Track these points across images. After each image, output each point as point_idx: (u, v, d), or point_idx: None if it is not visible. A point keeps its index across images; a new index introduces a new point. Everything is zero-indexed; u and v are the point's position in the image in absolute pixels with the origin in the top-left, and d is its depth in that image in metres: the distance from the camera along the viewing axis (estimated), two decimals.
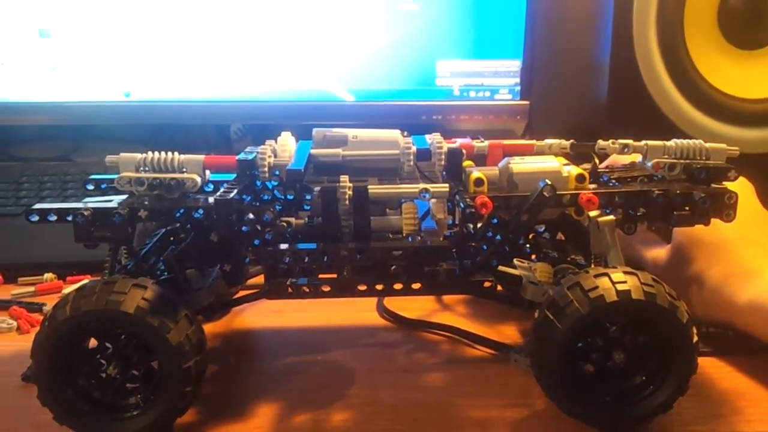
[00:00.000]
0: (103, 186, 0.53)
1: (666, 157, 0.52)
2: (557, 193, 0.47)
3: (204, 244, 0.50)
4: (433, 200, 0.52)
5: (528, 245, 0.51)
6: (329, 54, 0.86)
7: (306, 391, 0.51)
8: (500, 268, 0.50)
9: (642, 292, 0.42)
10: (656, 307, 0.43)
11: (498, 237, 0.48)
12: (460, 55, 0.87)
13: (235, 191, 0.47)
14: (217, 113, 0.88)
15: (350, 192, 0.48)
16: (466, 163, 0.53)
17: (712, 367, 0.53)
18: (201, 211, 0.47)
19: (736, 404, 0.48)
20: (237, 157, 0.50)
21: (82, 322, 0.43)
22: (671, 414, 0.45)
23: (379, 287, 0.50)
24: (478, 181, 0.48)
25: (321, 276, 0.50)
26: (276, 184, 0.50)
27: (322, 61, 0.87)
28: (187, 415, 0.45)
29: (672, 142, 0.52)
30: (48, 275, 0.70)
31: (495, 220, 0.47)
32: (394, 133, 0.51)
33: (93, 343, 0.45)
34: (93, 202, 0.48)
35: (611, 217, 0.49)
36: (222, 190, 0.48)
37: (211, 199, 0.47)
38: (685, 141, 0.52)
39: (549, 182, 0.47)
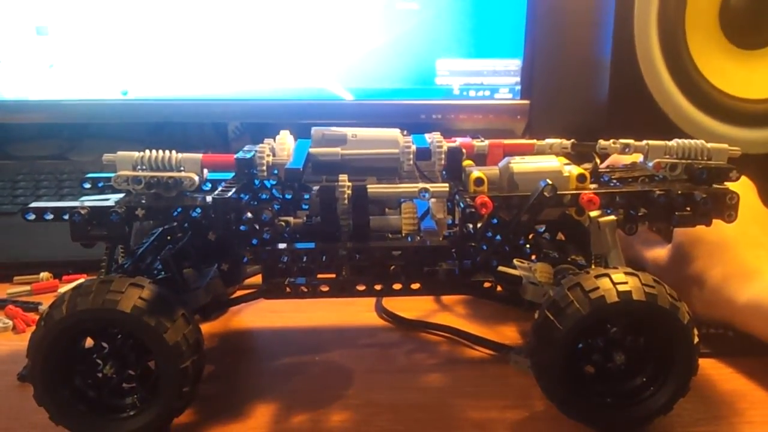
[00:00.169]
0: (99, 185, 0.53)
1: (667, 157, 0.52)
2: (558, 193, 0.47)
3: (201, 243, 0.49)
4: (433, 200, 0.51)
5: (528, 245, 0.51)
6: (328, 52, 0.86)
7: (304, 391, 0.51)
8: (500, 268, 0.50)
9: (643, 293, 0.42)
10: (657, 308, 0.42)
11: (498, 237, 0.48)
12: (459, 53, 0.87)
13: (233, 190, 0.47)
14: (215, 111, 0.88)
15: (349, 191, 0.47)
16: (466, 162, 0.52)
17: (712, 369, 0.52)
18: (199, 210, 0.47)
19: (736, 406, 0.48)
20: (235, 156, 0.49)
21: (79, 321, 0.42)
22: (671, 415, 0.45)
23: (377, 287, 0.50)
24: (478, 181, 0.48)
25: (319, 276, 0.50)
26: (274, 183, 0.50)
27: (321, 59, 0.86)
28: (184, 415, 0.45)
29: (673, 142, 0.52)
30: (44, 274, 0.70)
31: (495, 220, 0.47)
32: (394, 132, 0.51)
33: (89, 342, 0.45)
34: (90, 201, 0.48)
35: (612, 217, 0.49)
36: (220, 188, 0.47)
37: (208, 198, 0.47)
38: (686, 141, 0.52)
39: (550, 182, 0.46)
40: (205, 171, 0.50)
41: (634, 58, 0.75)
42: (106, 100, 0.86)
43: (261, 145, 0.50)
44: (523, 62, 0.88)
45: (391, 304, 0.62)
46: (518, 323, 0.60)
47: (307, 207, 0.51)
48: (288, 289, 0.50)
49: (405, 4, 0.85)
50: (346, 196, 0.47)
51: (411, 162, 0.50)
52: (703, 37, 0.76)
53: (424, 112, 0.88)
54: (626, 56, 0.75)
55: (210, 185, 0.51)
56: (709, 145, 0.52)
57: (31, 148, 0.95)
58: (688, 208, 0.48)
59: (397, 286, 0.50)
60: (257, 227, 0.47)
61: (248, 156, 0.49)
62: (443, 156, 0.51)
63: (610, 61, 0.76)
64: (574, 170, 0.49)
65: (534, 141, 0.55)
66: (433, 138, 0.52)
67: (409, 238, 0.49)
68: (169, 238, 0.52)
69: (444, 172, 0.52)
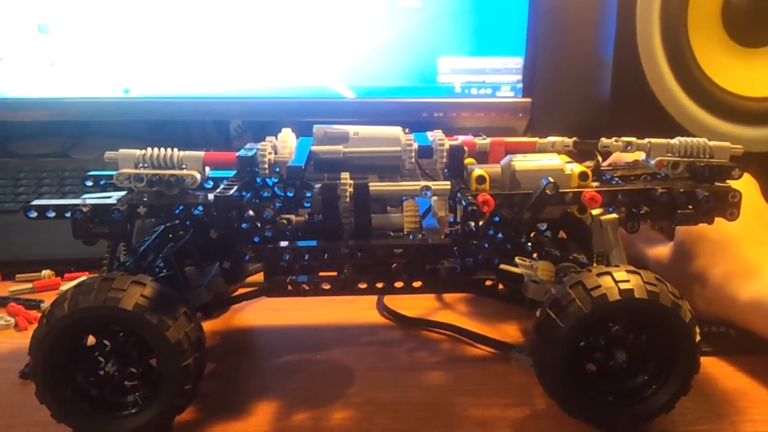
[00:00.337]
0: (101, 182, 0.53)
1: (669, 155, 0.52)
2: (560, 191, 0.47)
3: (203, 241, 0.49)
4: (435, 198, 0.51)
5: (530, 243, 0.50)
6: (330, 50, 0.86)
7: (306, 389, 0.51)
8: (502, 266, 0.50)
9: (645, 291, 0.42)
10: (659, 306, 0.42)
11: (500, 235, 0.48)
12: (461, 51, 0.87)
13: (235, 188, 0.47)
14: (216, 110, 0.88)
15: (351, 189, 0.47)
16: (468, 160, 0.52)
17: (714, 367, 0.52)
18: (200, 208, 0.47)
19: (738, 404, 0.48)
20: (237, 154, 0.49)
21: (81, 319, 0.42)
22: (673, 414, 0.45)
23: (379, 285, 0.50)
24: (480, 179, 0.48)
25: (321, 274, 0.50)
26: (276, 181, 0.50)
27: (323, 57, 0.86)
28: (186, 413, 0.45)
29: (676, 140, 0.52)
30: (46, 272, 0.70)
31: (497, 218, 0.47)
32: (396, 130, 0.51)
33: (91, 340, 0.45)
34: (92, 199, 0.48)
35: (614, 215, 0.49)
36: (222, 186, 0.47)
37: (210, 196, 0.47)
38: (688, 139, 0.52)
39: (552, 180, 0.46)
40: (207, 169, 0.50)
41: (636, 56, 0.75)
42: (108, 98, 0.86)
43: (263, 143, 0.50)
44: (525, 60, 0.87)
45: (393, 302, 0.62)
46: (520, 321, 0.60)
47: (308, 205, 0.51)
48: (290, 287, 0.50)
49: (407, 2, 0.85)
50: (347, 194, 0.47)
51: (413, 160, 0.50)
52: (706, 35, 0.76)
53: (425, 110, 0.88)
54: (628, 54, 0.75)
55: (212, 183, 0.51)
56: (712, 143, 0.51)
57: (33, 146, 0.95)
58: (690, 206, 0.48)
59: (398, 284, 0.50)
60: (259, 225, 0.47)
61: (250, 154, 0.49)
62: (445, 154, 0.50)
63: (612, 59, 0.76)
64: (576, 168, 0.49)
65: (536, 139, 0.55)
66: (434, 136, 0.51)
67: (411, 236, 0.49)
68: (170, 235, 0.52)
69: (446, 170, 0.52)
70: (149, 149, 0.48)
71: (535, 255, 0.51)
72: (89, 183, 0.53)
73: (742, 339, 0.54)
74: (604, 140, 0.53)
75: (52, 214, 0.47)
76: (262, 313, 0.63)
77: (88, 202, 0.47)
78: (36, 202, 0.48)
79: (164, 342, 0.42)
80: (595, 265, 0.49)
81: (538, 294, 0.50)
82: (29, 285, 0.68)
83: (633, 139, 0.53)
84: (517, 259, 0.52)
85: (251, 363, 0.56)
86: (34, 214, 0.48)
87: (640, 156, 0.54)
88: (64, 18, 0.83)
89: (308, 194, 0.50)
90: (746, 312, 0.52)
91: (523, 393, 0.49)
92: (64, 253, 0.70)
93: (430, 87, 0.88)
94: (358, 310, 0.62)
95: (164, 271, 0.49)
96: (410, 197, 0.50)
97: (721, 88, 0.76)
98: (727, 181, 0.50)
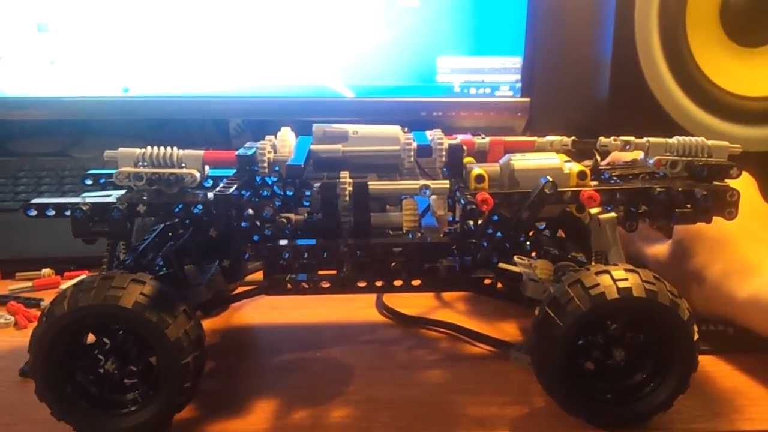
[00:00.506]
0: (101, 181, 0.53)
1: (668, 154, 0.52)
2: (558, 190, 0.47)
3: (203, 240, 0.49)
4: (434, 197, 0.51)
5: (528, 242, 0.51)
6: (329, 50, 0.86)
7: (305, 387, 0.51)
8: (501, 265, 0.50)
9: (643, 290, 0.42)
10: (657, 304, 0.42)
11: (498, 234, 0.48)
12: (460, 51, 0.87)
13: (235, 187, 0.47)
14: (216, 109, 0.88)
15: (350, 188, 0.47)
16: (467, 159, 0.52)
17: (712, 366, 0.52)
18: (200, 207, 0.47)
19: (736, 402, 0.48)
20: (236, 153, 0.49)
21: (80, 317, 0.42)
22: (671, 412, 0.45)
23: (378, 284, 0.50)
24: (479, 178, 0.48)
25: (320, 272, 0.50)
26: (275, 179, 0.50)
27: (322, 56, 0.86)
28: (186, 411, 0.45)
29: (674, 140, 0.52)
30: (46, 270, 0.70)
31: (496, 217, 0.47)
32: (395, 129, 0.51)
33: (91, 338, 0.45)
34: (91, 197, 0.48)
35: (612, 214, 0.49)
36: (221, 185, 0.47)
37: (210, 195, 0.47)
38: (687, 138, 0.52)
39: (550, 179, 0.46)
40: (207, 167, 0.50)
41: (634, 56, 0.75)
42: (107, 97, 0.86)
43: (262, 141, 0.50)
44: (524, 60, 0.87)
45: (392, 300, 0.62)
46: (518, 320, 0.60)
47: (308, 204, 0.51)
48: (289, 286, 0.50)
49: (406, 2, 0.85)
50: (347, 192, 0.47)
51: (412, 159, 0.50)
52: (704, 35, 0.76)
53: (424, 109, 0.88)
54: (627, 54, 0.75)
55: (211, 182, 0.51)
56: (710, 142, 0.52)
57: (33, 145, 0.95)
58: (689, 205, 0.48)
59: (397, 283, 0.50)
60: (258, 224, 0.47)
61: (249, 153, 0.49)
62: (444, 153, 0.51)
63: (611, 59, 0.76)
64: (575, 167, 0.49)
65: (535, 138, 0.55)
66: (434, 135, 0.52)
67: (410, 235, 0.49)
68: (170, 234, 0.52)
69: (445, 169, 0.52)
70: (149, 148, 0.49)
71: (533, 254, 0.52)
72: (89, 182, 0.53)
73: (740, 337, 0.54)
74: (602, 139, 0.53)
75: (51, 213, 0.48)
76: (262, 311, 0.63)
77: (88, 200, 0.47)
78: (36, 200, 0.48)
79: (164, 340, 0.42)
80: (593, 263, 0.49)
81: (536, 293, 0.50)
82: (29, 283, 0.68)
83: (631, 139, 0.53)
84: (515, 258, 0.53)
85: (251, 361, 0.56)
86: (33, 213, 0.48)
87: (639, 155, 0.55)
88: (63, 17, 0.83)
89: (307, 193, 0.50)
90: (744, 309, 0.52)
91: (521, 391, 0.49)
92: (63, 252, 0.70)
93: (429, 86, 0.88)
94: (357, 308, 0.63)
95: (164, 269, 0.49)
96: (409, 196, 0.50)
97: (720, 88, 0.76)
98: (726, 180, 0.50)
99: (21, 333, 0.59)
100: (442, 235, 0.50)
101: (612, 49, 0.76)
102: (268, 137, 0.51)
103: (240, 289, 0.60)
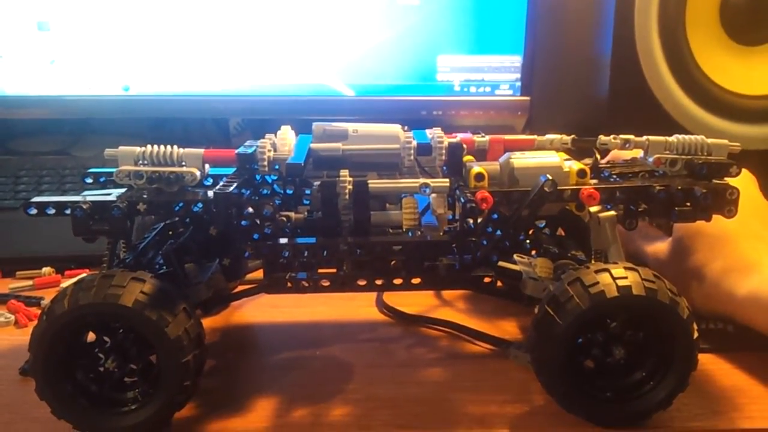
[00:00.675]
0: (101, 179, 0.53)
1: (667, 152, 0.52)
2: (558, 188, 0.47)
3: (203, 238, 0.49)
4: (434, 195, 0.51)
5: (528, 241, 0.51)
6: (329, 48, 0.86)
7: (305, 385, 0.51)
8: (500, 263, 0.50)
9: (643, 288, 0.42)
10: (657, 303, 0.42)
11: (498, 232, 0.48)
12: (460, 50, 0.87)
13: (235, 185, 0.47)
14: (216, 107, 0.88)
15: (350, 186, 0.47)
16: (467, 158, 0.52)
17: (712, 364, 0.53)
18: (200, 205, 0.47)
19: (736, 401, 0.48)
20: (236, 151, 0.49)
21: (80, 315, 0.42)
22: (671, 410, 0.45)
23: (378, 282, 0.50)
24: (479, 176, 0.48)
25: (320, 270, 0.50)
26: (275, 178, 0.50)
27: (322, 55, 0.86)
28: (186, 409, 0.45)
29: (674, 138, 0.52)
30: (46, 269, 0.70)
31: (495, 216, 0.47)
32: (395, 128, 0.51)
33: (91, 336, 0.45)
34: (91, 196, 0.48)
35: (612, 212, 0.49)
36: (221, 183, 0.47)
37: (210, 193, 0.47)
38: (686, 137, 0.52)
39: (550, 177, 0.46)
40: (207, 166, 0.50)
41: (634, 55, 0.75)
42: (107, 95, 0.86)
43: (262, 140, 0.50)
44: (524, 59, 0.87)
45: (392, 299, 0.63)
46: (518, 318, 0.60)
47: (308, 202, 0.51)
48: (289, 284, 0.50)
49: (406, 1, 0.85)
50: (347, 191, 0.47)
51: (412, 157, 0.50)
52: (704, 34, 0.76)
53: (424, 108, 0.88)
54: (627, 53, 0.75)
55: (211, 180, 0.51)
56: (710, 140, 0.52)
57: (33, 144, 0.95)
58: (688, 204, 0.48)
59: (397, 281, 0.50)
60: (258, 222, 0.47)
61: (249, 151, 0.49)
62: (444, 151, 0.51)
63: (611, 58, 0.76)
64: (575, 166, 0.49)
65: (534, 137, 0.55)
66: (433, 133, 0.52)
67: (410, 233, 0.49)
68: (170, 232, 0.52)
69: (445, 168, 0.52)
70: (149, 146, 0.49)
71: (533, 252, 0.52)
72: (89, 180, 0.53)
73: (739, 335, 0.54)
74: (602, 138, 0.53)
75: (52, 211, 0.48)
76: (262, 310, 0.63)
77: (88, 199, 0.47)
78: (36, 199, 0.48)
79: (164, 338, 0.42)
80: (593, 262, 0.49)
81: (536, 291, 0.50)
82: (29, 282, 0.68)
83: (631, 137, 0.53)
84: (515, 256, 0.53)
85: (251, 359, 0.56)
86: (34, 211, 0.48)
87: (639, 153, 0.55)
88: (63, 15, 0.83)
89: (307, 191, 0.50)
90: (744, 307, 0.52)
91: (521, 389, 0.49)
92: (64, 250, 0.70)
93: (429, 85, 0.88)
94: (357, 307, 0.63)
95: (164, 268, 0.49)
96: (409, 194, 0.50)
97: (719, 86, 0.76)
98: (725, 178, 0.50)
99: (21, 331, 0.59)
100: (441, 234, 0.50)
101: (612, 48, 0.76)
102: (268, 136, 0.51)
103: (240, 288, 0.60)
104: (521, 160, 0.49)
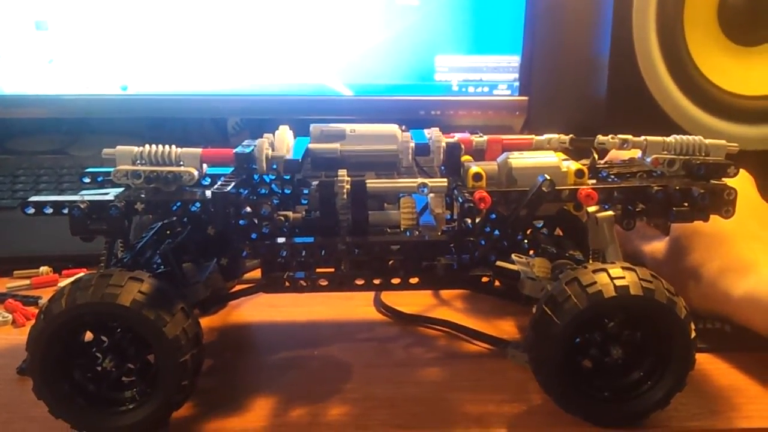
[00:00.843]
0: (99, 179, 0.53)
1: (665, 153, 0.52)
2: (556, 188, 0.47)
3: (201, 238, 0.49)
4: (432, 195, 0.51)
5: (526, 240, 0.51)
6: (328, 48, 0.86)
7: (303, 385, 0.51)
8: (498, 263, 0.50)
9: (640, 288, 0.42)
10: (655, 302, 0.42)
11: (496, 232, 0.48)
12: (458, 50, 0.87)
13: (233, 184, 0.47)
14: (214, 107, 0.88)
15: (348, 186, 0.47)
16: (465, 157, 0.52)
17: (709, 364, 0.53)
18: (198, 205, 0.47)
19: (733, 400, 0.48)
20: (234, 151, 0.49)
21: (78, 315, 0.42)
22: (668, 410, 0.45)
23: (376, 281, 0.50)
24: (477, 176, 0.48)
25: (318, 270, 0.50)
26: (273, 177, 0.50)
27: (320, 55, 0.86)
28: (184, 408, 0.45)
29: (671, 138, 0.52)
30: (44, 268, 0.70)
31: (493, 215, 0.47)
32: (393, 128, 0.51)
33: (89, 336, 0.45)
34: (89, 195, 0.48)
35: (610, 212, 0.49)
36: (219, 183, 0.47)
37: (208, 193, 0.47)
38: (684, 137, 0.52)
39: (548, 177, 0.46)
40: (205, 165, 0.50)
41: (632, 55, 0.75)
42: (105, 95, 0.86)
43: (260, 139, 0.50)
44: (522, 59, 0.88)
45: (390, 298, 0.63)
46: (516, 318, 0.60)
47: (306, 202, 0.51)
48: (287, 284, 0.50)
49: (404, 1, 0.85)
50: (345, 190, 0.47)
51: (410, 157, 0.50)
52: (702, 34, 0.76)
53: (423, 108, 0.88)
54: (625, 53, 0.75)
55: (209, 180, 0.51)
56: (707, 141, 0.52)
57: (31, 143, 0.95)
58: (686, 204, 0.49)
59: (395, 281, 0.50)
60: (256, 222, 0.47)
61: (247, 150, 0.49)
62: (442, 151, 0.51)
63: (609, 58, 0.76)
64: (573, 166, 0.49)
65: (532, 136, 0.55)
66: (432, 134, 0.52)
67: (408, 233, 0.49)
68: (168, 232, 0.52)
69: (443, 168, 0.52)
70: (147, 146, 0.49)
71: (531, 252, 0.52)
72: (87, 180, 0.53)
73: (737, 335, 0.54)
74: (600, 137, 0.53)
75: (49, 211, 0.48)
76: (260, 309, 0.63)
77: (86, 198, 0.47)
78: (33, 198, 0.48)
79: (162, 338, 0.42)
80: (590, 261, 0.49)
81: (534, 291, 0.50)
82: (27, 281, 0.68)
83: (629, 137, 0.53)
84: (513, 256, 0.53)
85: (249, 359, 0.56)
86: (31, 211, 0.48)
87: (636, 154, 0.55)
88: (61, 15, 0.83)
89: (305, 191, 0.50)
90: (741, 308, 0.52)
91: (519, 389, 0.50)
92: (61, 250, 0.70)
93: (428, 85, 0.88)
94: (355, 306, 0.63)
95: (162, 267, 0.49)
96: (407, 194, 0.50)
97: (718, 87, 0.76)
98: (723, 178, 0.50)
99: (19, 331, 0.59)
100: (440, 234, 0.50)
101: (610, 48, 0.76)
102: (266, 135, 0.51)
103: (238, 287, 0.60)
104: (519, 160, 0.49)
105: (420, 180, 0.48)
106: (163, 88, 0.86)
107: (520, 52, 0.87)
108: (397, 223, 0.50)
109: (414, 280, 0.50)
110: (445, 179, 0.49)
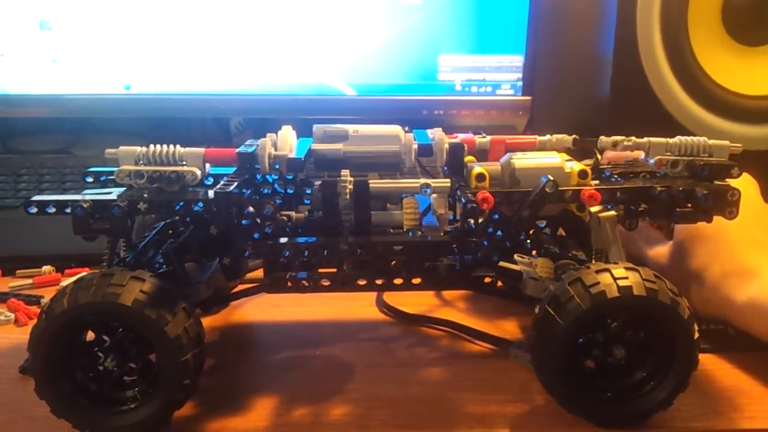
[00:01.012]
0: (102, 179, 0.53)
1: (669, 153, 0.52)
2: (559, 188, 0.47)
3: (203, 237, 0.49)
4: (434, 195, 0.51)
5: (529, 240, 0.51)
6: (331, 48, 0.86)
7: (305, 385, 0.51)
8: (501, 263, 0.50)
9: (644, 288, 0.42)
10: (658, 303, 0.42)
11: (499, 233, 0.48)
12: (461, 49, 0.87)
13: (235, 184, 0.47)
14: (217, 107, 0.88)
15: (351, 186, 0.47)
16: (468, 158, 0.52)
17: (712, 364, 0.52)
18: (201, 204, 0.47)
19: (736, 401, 0.48)
20: (237, 150, 0.49)
21: (80, 314, 0.42)
22: (671, 410, 0.45)
23: (379, 282, 0.50)
24: (480, 177, 0.48)
25: (321, 270, 0.50)
26: (276, 177, 0.50)
27: (323, 55, 0.86)
28: (185, 408, 0.45)
29: (675, 139, 0.52)
30: (46, 267, 0.70)
31: (496, 216, 0.47)
32: (396, 129, 0.51)
33: (90, 335, 0.45)
34: (92, 194, 0.48)
35: (612, 212, 0.49)
36: (222, 183, 0.47)
37: (211, 192, 0.47)
38: (687, 138, 0.52)
39: (551, 178, 0.46)
40: (207, 165, 0.50)
41: (636, 55, 0.75)
42: (108, 94, 0.86)
43: (263, 139, 0.50)
44: (525, 58, 0.87)
45: (392, 298, 0.62)
46: (518, 318, 0.60)
47: (308, 202, 0.51)
48: (289, 284, 0.50)
49: (408, 0, 0.85)
50: (347, 191, 0.47)
51: (413, 158, 0.50)
52: (706, 34, 0.76)
53: (425, 107, 0.88)
54: (628, 52, 0.75)
55: (212, 180, 0.51)
56: (711, 142, 0.51)
57: (34, 143, 0.95)
58: (689, 205, 0.48)
59: (398, 281, 0.50)
60: (259, 221, 0.47)
61: (250, 150, 0.49)
62: (445, 152, 0.50)
63: (613, 58, 0.76)
64: (576, 166, 0.49)
65: (536, 137, 0.55)
66: (435, 134, 0.51)
67: (411, 233, 0.49)
68: (170, 231, 0.52)
69: (446, 168, 0.52)
70: (150, 146, 0.49)
71: (534, 252, 0.52)
72: (90, 179, 0.53)
73: (740, 336, 0.54)
74: (603, 138, 0.53)
75: (52, 210, 0.47)
76: (262, 309, 0.63)
77: (89, 197, 0.47)
78: (36, 197, 0.48)
79: (163, 337, 0.42)
80: (593, 262, 0.49)
81: (536, 291, 0.50)
82: (29, 281, 0.68)
83: (633, 139, 0.52)
84: (516, 256, 0.53)
85: (250, 359, 0.56)
86: (34, 210, 0.48)
87: (640, 155, 0.54)
88: (65, 14, 0.83)
89: (308, 191, 0.50)
90: (743, 313, 0.52)
91: (521, 389, 0.49)
92: (64, 249, 0.70)
93: (431, 85, 0.88)
94: (357, 306, 0.63)
95: (164, 267, 0.49)
96: (410, 194, 0.50)
97: (721, 87, 0.76)
98: (727, 179, 0.50)
99: (21, 330, 0.59)
100: (442, 234, 0.50)
101: (614, 48, 0.76)
102: (269, 135, 0.51)
103: (240, 287, 0.60)
104: (522, 160, 0.49)
105: (423, 180, 0.48)
106: (166, 88, 0.86)
107: (523, 51, 0.87)
108: (399, 223, 0.50)
109: (417, 281, 0.50)
110: (448, 180, 0.49)
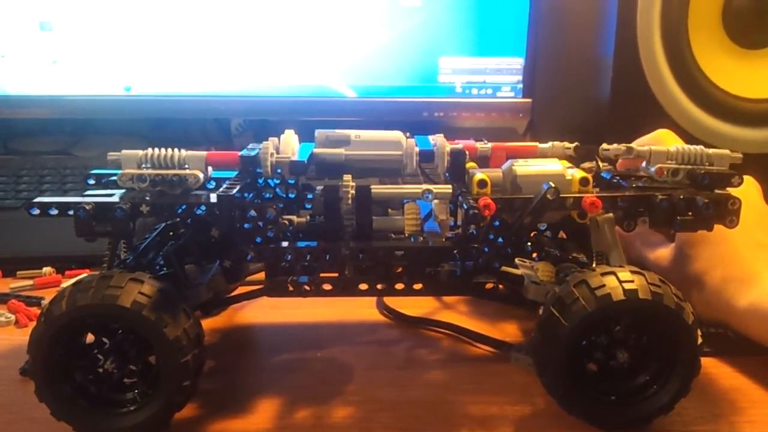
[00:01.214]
0: (103, 181, 0.52)
1: (669, 162, 0.52)
2: (561, 196, 0.47)
3: (204, 239, 0.49)
4: (436, 201, 0.51)
5: (530, 243, 0.51)
6: (331, 50, 0.86)
7: (305, 387, 0.51)
8: (502, 268, 0.50)
9: (649, 292, 0.42)
10: (663, 307, 0.42)
11: (500, 239, 0.48)
12: (462, 51, 0.87)
13: (238, 188, 0.47)
14: (218, 108, 0.88)
15: (353, 191, 0.47)
16: (470, 164, 0.52)
17: (714, 368, 0.53)
18: (203, 208, 0.47)
19: (737, 405, 0.48)
20: (240, 154, 0.49)
21: (79, 316, 0.42)
22: (672, 413, 0.45)
23: (380, 287, 0.50)
24: (482, 183, 0.48)
25: (322, 275, 0.50)
26: (278, 181, 0.50)
27: (324, 56, 0.86)
28: (186, 410, 0.45)
29: (675, 148, 0.52)
30: (47, 269, 0.70)
31: (497, 222, 0.47)
32: (397, 134, 0.51)
33: (90, 338, 0.45)
34: (94, 196, 0.48)
35: (610, 214, 0.49)
36: (224, 186, 0.47)
37: (213, 196, 0.47)
38: (687, 147, 0.52)
39: (552, 185, 0.46)
40: (210, 169, 0.50)
41: (636, 57, 0.75)
42: (109, 95, 0.86)
43: (265, 143, 0.50)
44: (526, 61, 0.87)
45: (393, 301, 0.62)
46: (519, 321, 0.60)
47: (310, 206, 0.51)
48: (291, 288, 0.50)
49: (408, 2, 0.85)
50: (349, 195, 0.47)
51: (415, 164, 0.50)
52: (706, 37, 0.76)
53: (426, 109, 0.88)
54: (629, 55, 0.75)
55: (214, 183, 0.51)
56: (711, 150, 0.52)
57: (35, 144, 0.96)
58: (690, 213, 0.48)
59: (399, 286, 0.50)
60: (261, 225, 0.47)
61: (252, 154, 0.49)
62: (447, 158, 0.51)
63: (613, 60, 0.76)
64: (577, 174, 0.49)
65: (537, 144, 0.55)
66: (436, 140, 0.52)
67: (412, 239, 0.49)
68: (171, 233, 0.51)
69: (447, 174, 0.52)
70: (152, 149, 0.48)
71: (534, 255, 0.52)
72: (92, 182, 0.53)
73: (741, 340, 0.54)
74: (604, 145, 0.53)
75: (55, 212, 0.47)
76: (262, 311, 0.63)
77: (91, 200, 0.47)
78: (39, 199, 0.48)
79: (163, 339, 0.42)
80: (596, 264, 0.49)
81: (538, 295, 0.50)
82: (30, 282, 0.68)
83: (634, 146, 0.53)
84: (517, 260, 0.53)
85: (251, 361, 0.56)
86: (36, 212, 0.48)
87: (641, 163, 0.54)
88: (66, 16, 0.83)
89: (310, 196, 0.50)
90: (744, 318, 0.52)
91: (522, 392, 0.49)
92: (65, 250, 0.70)
93: (431, 87, 0.88)
94: (358, 308, 0.62)
95: (165, 268, 0.49)
96: (412, 200, 0.50)
97: (722, 90, 0.76)
98: (727, 188, 0.50)
99: (21, 332, 0.59)
100: (443, 240, 0.50)
101: (614, 51, 0.76)
102: (271, 139, 0.51)
103: (241, 290, 0.60)
104: (524, 167, 0.49)
105: (424, 186, 0.48)
106: (166, 89, 0.86)
107: (523, 54, 0.87)
108: (401, 228, 0.50)
109: (418, 286, 0.50)
110: (450, 186, 0.49)
